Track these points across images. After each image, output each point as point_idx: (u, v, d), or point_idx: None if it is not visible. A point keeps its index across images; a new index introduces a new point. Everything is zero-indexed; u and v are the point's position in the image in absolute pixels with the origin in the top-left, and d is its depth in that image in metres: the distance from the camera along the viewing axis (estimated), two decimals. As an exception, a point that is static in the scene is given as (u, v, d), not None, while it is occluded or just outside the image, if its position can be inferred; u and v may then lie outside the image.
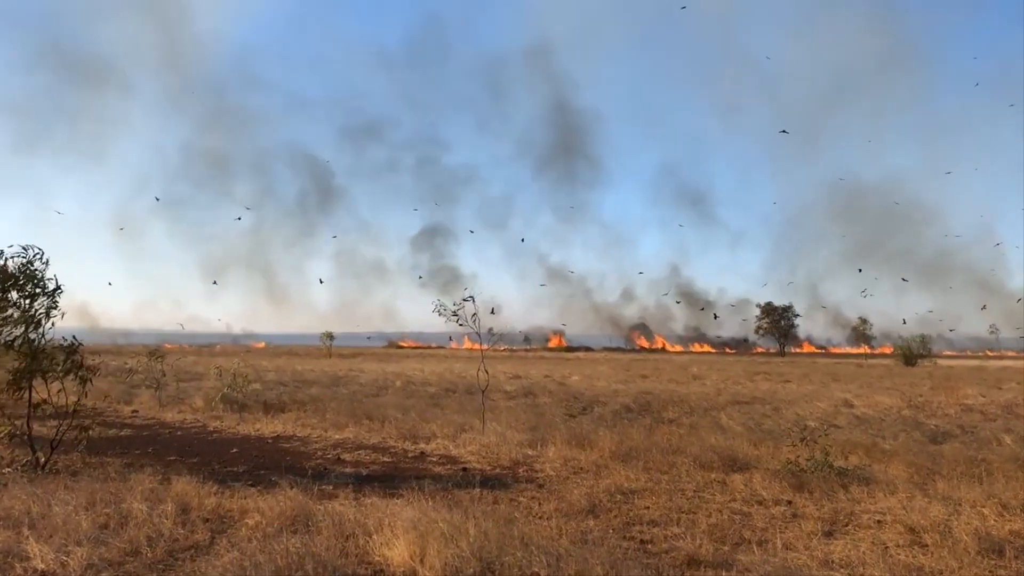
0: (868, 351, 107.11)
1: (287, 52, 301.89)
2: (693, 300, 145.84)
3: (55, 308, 11.25)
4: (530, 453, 13.05)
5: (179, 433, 16.18)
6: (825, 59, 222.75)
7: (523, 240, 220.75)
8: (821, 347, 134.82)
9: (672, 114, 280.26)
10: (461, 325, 15.45)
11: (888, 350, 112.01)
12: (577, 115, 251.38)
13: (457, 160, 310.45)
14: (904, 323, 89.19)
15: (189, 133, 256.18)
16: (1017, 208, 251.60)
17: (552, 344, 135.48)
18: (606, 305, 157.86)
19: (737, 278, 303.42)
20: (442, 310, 15.48)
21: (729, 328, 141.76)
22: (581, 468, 11.71)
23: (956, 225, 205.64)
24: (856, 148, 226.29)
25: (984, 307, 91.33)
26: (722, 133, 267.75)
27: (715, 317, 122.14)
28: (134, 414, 19.46)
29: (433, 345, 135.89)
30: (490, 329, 16.66)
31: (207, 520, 8.09)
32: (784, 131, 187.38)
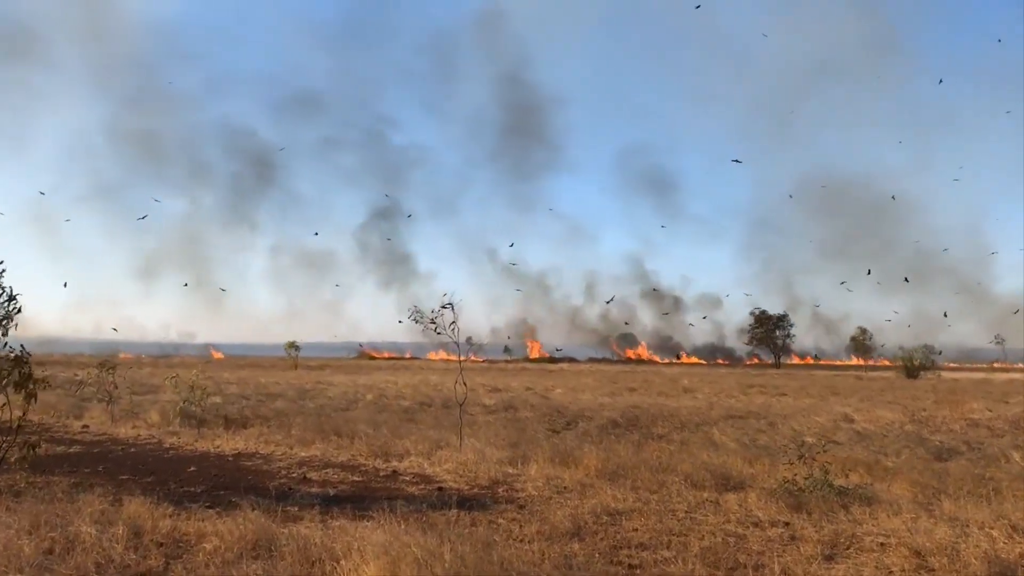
0: (866, 363, 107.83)
1: (216, 25, 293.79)
2: (659, 298, 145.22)
3: (10, 319, 11.10)
4: (511, 471, 12.98)
5: (132, 450, 15.99)
6: (807, 44, 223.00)
7: (512, 245, 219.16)
8: (815, 357, 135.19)
9: (640, 98, 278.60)
10: (439, 334, 15.29)
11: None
12: (535, 97, 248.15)
13: (405, 143, 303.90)
14: (909, 327, 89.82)
15: (114, 113, 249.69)
16: (1007, 206, 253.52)
17: (533, 355, 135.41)
18: (567, 306, 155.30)
19: (708, 276, 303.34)
20: (418, 317, 15.33)
21: (702, 332, 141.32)
22: (565, 487, 11.64)
23: (942, 222, 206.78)
24: (840, 140, 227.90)
25: (945, 314, 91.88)
26: (694, 120, 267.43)
27: (688, 322, 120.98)
28: (84, 429, 19.23)
29: (407, 355, 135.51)
30: (469, 338, 16.56)
31: (161, 544, 7.97)
32: (737, 160, 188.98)
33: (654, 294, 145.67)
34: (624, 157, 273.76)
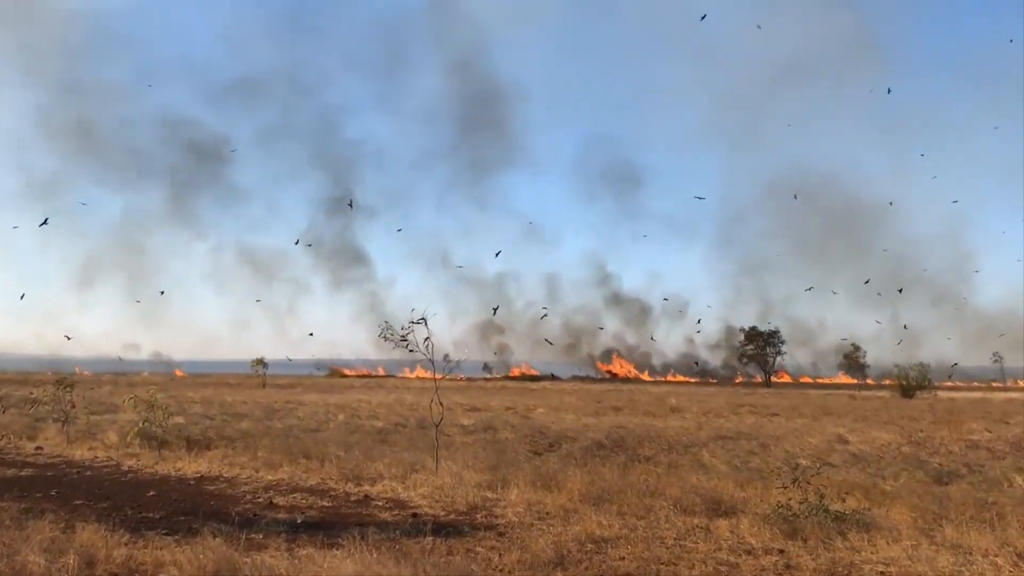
0: (859, 381, 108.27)
1: (153, 10, 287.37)
2: (626, 306, 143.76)
3: None
4: (490, 496, 12.85)
5: (88, 473, 15.75)
6: (783, 42, 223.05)
7: (498, 254, 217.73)
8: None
9: (605, 93, 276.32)
10: (412, 352, 15.13)
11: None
12: (494, 91, 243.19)
13: (357, 136, 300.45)
14: (900, 343, 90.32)
15: (44, 104, 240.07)
16: (989, 212, 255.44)
17: (514, 372, 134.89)
18: (530, 315, 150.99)
19: (676, 281, 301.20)
20: (389, 334, 15.17)
21: (671, 346, 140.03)
22: (547, 513, 11.52)
23: (923, 230, 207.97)
24: (814, 142, 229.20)
25: (905, 326, 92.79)
26: (662, 117, 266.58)
27: (655, 335, 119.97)
28: (38, 451, 18.95)
29: (380, 372, 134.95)
30: (446, 356, 16.41)
31: (115, 575, 7.78)
32: (700, 197, 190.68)
33: (621, 302, 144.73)
34: (587, 154, 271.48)
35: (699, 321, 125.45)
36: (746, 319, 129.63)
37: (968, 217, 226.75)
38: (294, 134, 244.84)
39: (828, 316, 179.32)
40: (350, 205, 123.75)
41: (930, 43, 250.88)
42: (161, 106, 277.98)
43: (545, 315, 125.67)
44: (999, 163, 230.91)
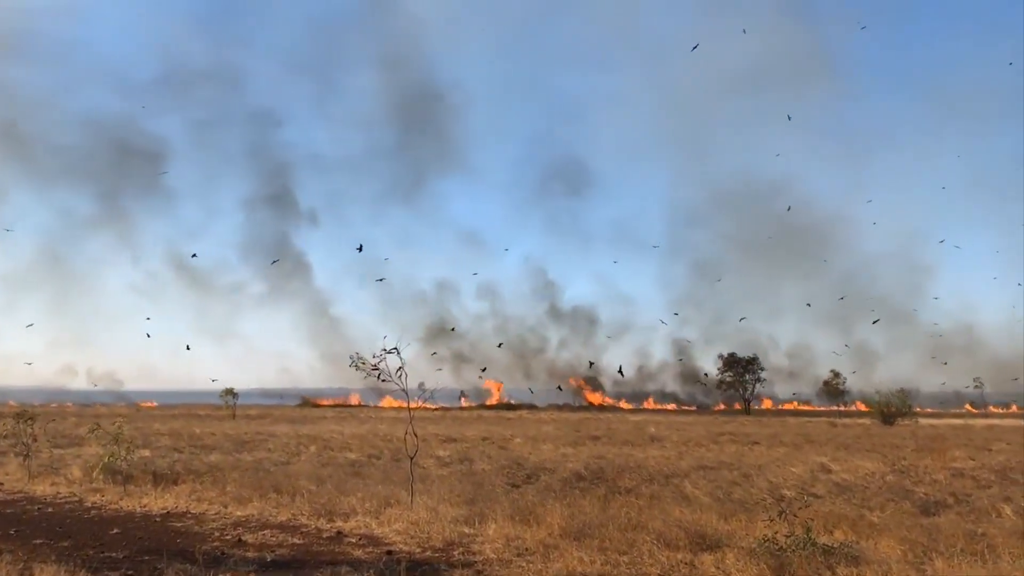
0: (839, 408, 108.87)
1: (82, 11, 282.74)
2: (572, 320, 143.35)
3: None
4: (467, 531, 12.65)
5: (50, 510, 15.42)
6: (736, 50, 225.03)
7: (475, 274, 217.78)
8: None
9: (550, 98, 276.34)
10: (384, 381, 14.94)
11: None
12: (436, 96, 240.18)
13: (293, 140, 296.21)
14: (854, 372, 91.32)
15: None
16: (941, 231, 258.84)
17: (492, 400, 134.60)
18: (479, 333, 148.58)
19: (625, 293, 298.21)
20: (360, 364, 14.98)
21: (625, 354, 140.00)
22: (527, 549, 11.34)
23: (873, 245, 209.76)
24: (765, 158, 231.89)
25: (838, 354, 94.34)
26: (610, 123, 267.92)
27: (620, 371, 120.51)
28: (-4, 487, 18.55)
29: (355, 402, 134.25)
30: (420, 384, 16.21)
31: (73, 621, 7.53)
32: (655, 245, 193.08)
33: (565, 315, 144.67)
34: (530, 159, 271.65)
35: (680, 360, 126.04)
36: (692, 332, 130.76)
37: (921, 234, 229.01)
38: (229, 137, 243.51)
39: (778, 331, 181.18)
40: (359, 250, 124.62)
41: (885, 60, 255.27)
42: (88, 109, 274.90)
43: (453, 329, 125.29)
44: (952, 180, 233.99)
